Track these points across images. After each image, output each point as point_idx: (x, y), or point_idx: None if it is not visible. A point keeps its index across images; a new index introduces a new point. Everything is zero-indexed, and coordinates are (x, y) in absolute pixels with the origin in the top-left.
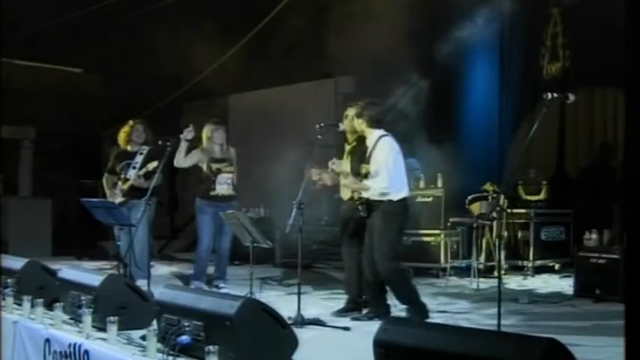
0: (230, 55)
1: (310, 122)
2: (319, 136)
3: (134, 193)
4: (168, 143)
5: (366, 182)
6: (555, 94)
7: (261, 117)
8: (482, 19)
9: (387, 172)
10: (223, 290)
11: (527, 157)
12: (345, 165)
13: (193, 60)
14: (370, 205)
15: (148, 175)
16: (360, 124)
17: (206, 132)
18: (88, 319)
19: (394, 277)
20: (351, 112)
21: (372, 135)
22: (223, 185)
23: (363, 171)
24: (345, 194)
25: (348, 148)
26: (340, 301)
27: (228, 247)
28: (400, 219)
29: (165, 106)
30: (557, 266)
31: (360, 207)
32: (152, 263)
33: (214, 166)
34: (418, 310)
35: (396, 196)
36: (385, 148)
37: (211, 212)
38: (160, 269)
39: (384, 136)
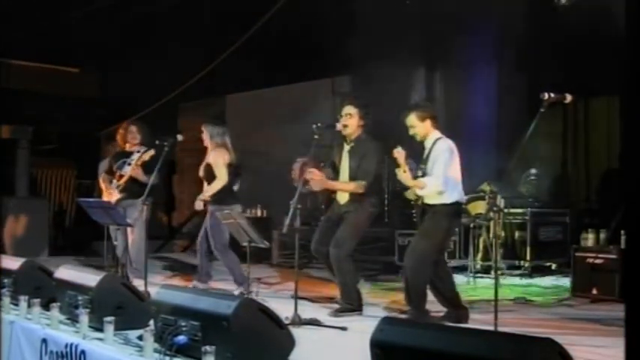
0: (227, 54)
1: (307, 122)
2: (316, 136)
3: (131, 189)
4: (166, 143)
5: (422, 180)
6: (552, 94)
7: (258, 117)
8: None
9: (443, 171)
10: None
11: (525, 157)
12: (343, 164)
13: (190, 60)
14: (424, 209)
15: (145, 168)
16: (424, 127)
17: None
18: (84, 320)
19: (422, 282)
20: (360, 112)
21: (432, 136)
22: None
23: (420, 173)
24: (342, 198)
25: (347, 147)
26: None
27: (216, 247)
28: (450, 220)
29: (162, 106)
30: (554, 266)
31: (414, 209)
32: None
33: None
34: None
35: (449, 198)
36: (444, 149)
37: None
38: (157, 270)
39: (441, 138)
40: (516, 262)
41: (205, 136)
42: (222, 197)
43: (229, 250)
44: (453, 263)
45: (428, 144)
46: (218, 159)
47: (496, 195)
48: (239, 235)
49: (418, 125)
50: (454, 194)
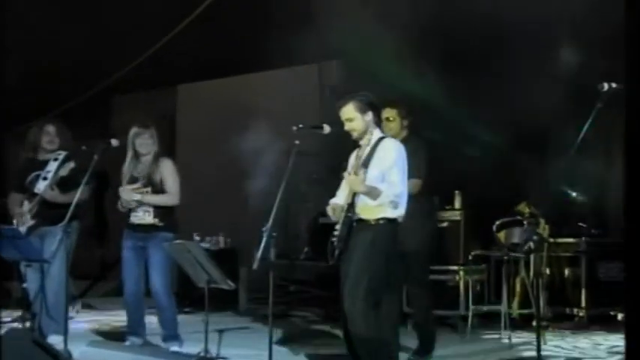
0: (177, 33)
1: (286, 121)
2: (297, 142)
3: (48, 214)
4: (95, 149)
5: (379, 186)
6: (614, 85)
7: (220, 114)
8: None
9: (401, 178)
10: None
11: (577, 168)
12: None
13: (128, 41)
14: (350, 226)
15: (65, 185)
16: (364, 122)
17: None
18: None
19: (365, 325)
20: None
21: (374, 133)
22: (138, 213)
23: (361, 176)
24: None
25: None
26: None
27: (161, 290)
28: (391, 243)
29: (90, 100)
30: (620, 316)
31: (340, 224)
32: (72, 312)
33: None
34: None
35: (393, 213)
36: (395, 151)
37: (131, 246)
38: (82, 320)
39: (386, 136)
40: (567, 310)
41: (149, 140)
42: (171, 221)
43: (171, 291)
44: (481, 311)
45: (368, 142)
46: (174, 171)
47: (538, 219)
48: (195, 273)
49: (357, 118)
50: (401, 209)
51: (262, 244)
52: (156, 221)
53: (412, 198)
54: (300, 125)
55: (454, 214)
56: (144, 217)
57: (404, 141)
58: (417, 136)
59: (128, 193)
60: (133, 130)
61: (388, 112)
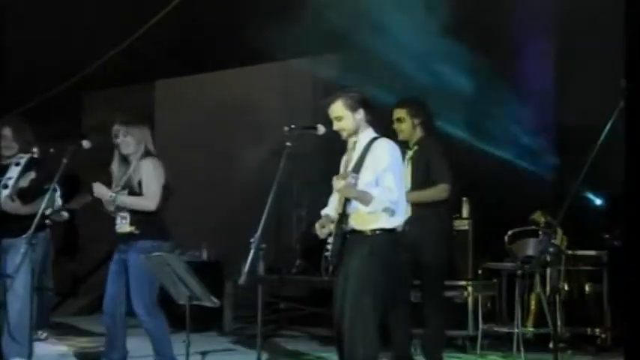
0: (153, 25)
1: (275, 121)
2: (288, 144)
3: (9, 226)
4: (65, 151)
5: (370, 191)
6: None
7: (202, 112)
8: None
9: (396, 182)
10: None
11: (597, 173)
12: (406, 177)
13: (99, 34)
14: (345, 238)
15: (25, 195)
16: (354, 121)
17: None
18: None
19: (364, 350)
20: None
21: (365, 133)
22: (117, 220)
23: (352, 180)
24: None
25: (409, 154)
26: None
27: (141, 311)
28: (391, 255)
29: (59, 97)
30: None
31: (333, 236)
32: (40, 333)
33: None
34: None
35: (390, 222)
36: (389, 152)
37: (116, 259)
38: (50, 342)
39: (379, 137)
40: (587, 331)
41: (130, 141)
42: (151, 229)
43: (160, 312)
44: (492, 330)
45: (358, 143)
46: (155, 173)
47: (555, 229)
48: (175, 289)
49: (347, 117)
50: (399, 217)
51: (250, 257)
52: (132, 229)
53: (428, 206)
54: (292, 126)
55: (462, 223)
56: (121, 224)
57: (419, 142)
58: (433, 138)
59: (99, 187)
60: (113, 128)
61: (398, 113)
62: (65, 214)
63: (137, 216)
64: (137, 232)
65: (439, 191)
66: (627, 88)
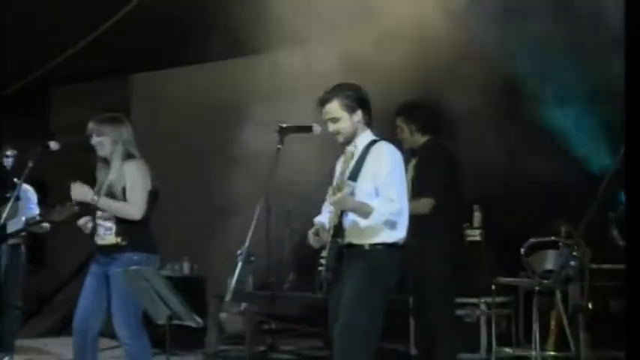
0: (126, 13)
1: (264, 119)
2: (279, 146)
3: None
4: (30, 154)
5: (370, 203)
6: None
7: (186, 109)
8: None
9: (399, 192)
10: None
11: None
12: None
13: (68, 23)
14: (340, 253)
15: None
16: (352, 122)
17: None
18: None
19: None
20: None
21: (364, 136)
22: (99, 231)
23: (349, 189)
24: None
25: (413, 162)
26: None
27: (123, 332)
28: (392, 272)
29: (23, 92)
30: None
31: (327, 249)
32: (1, 357)
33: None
34: None
35: (391, 236)
36: (391, 157)
37: (94, 271)
38: None
39: (379, 140)
40: (614, 354)
41: (105, 141)
42: (138, 241)
43: (144, 333)
44: (506, 352)
45: (356, 147)
46: (140, 177)
47: (577, 241)
48: (153, 307)
49: (344, 118)
50: (401, 230)
51: (237, 271)
52: (118, 240)
53: (435, 216)
54: (284, 125)
55: (473, 233)
56: (105, 235)
57: (422, 148)
58: (438, 142)
59: (79, 188)
60: (88, 127)
61: (397, 121)
62: (46, 225)
63: (123, 225)
64: (124, 243)
65: (420, 205)
66: (627, 88)
